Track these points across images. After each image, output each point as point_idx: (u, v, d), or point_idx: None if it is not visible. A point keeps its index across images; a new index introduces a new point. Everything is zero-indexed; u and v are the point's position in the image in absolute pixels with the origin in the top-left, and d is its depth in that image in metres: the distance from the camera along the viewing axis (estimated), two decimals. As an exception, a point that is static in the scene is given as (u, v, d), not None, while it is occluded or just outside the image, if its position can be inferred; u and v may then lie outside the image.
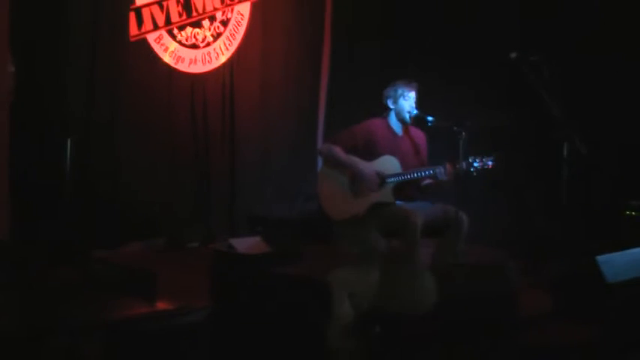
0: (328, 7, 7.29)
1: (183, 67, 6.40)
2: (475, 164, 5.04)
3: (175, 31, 6.33)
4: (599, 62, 5.99)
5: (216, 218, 6.60)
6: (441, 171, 5.05)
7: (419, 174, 5.12)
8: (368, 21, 7.11)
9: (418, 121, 5.28)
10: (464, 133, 4.91)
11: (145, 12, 6.13)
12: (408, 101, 5.25)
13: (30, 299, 3.64)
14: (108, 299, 3.60)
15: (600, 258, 4.07)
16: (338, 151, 5.20)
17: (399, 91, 5.25)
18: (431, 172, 5.10)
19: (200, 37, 6.49)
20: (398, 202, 5.13)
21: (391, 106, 5.30)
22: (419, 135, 5.39)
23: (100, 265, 4.11)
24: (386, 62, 6.91)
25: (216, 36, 6.58)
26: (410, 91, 5.25)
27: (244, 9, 6.72)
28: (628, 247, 4.29)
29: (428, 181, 5.15)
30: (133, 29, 6.07)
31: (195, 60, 6.48)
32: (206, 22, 6.51)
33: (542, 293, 4.59)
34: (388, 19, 7.00)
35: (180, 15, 6.32)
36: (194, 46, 6.46)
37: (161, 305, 3.53)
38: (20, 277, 3.89)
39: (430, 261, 4.95)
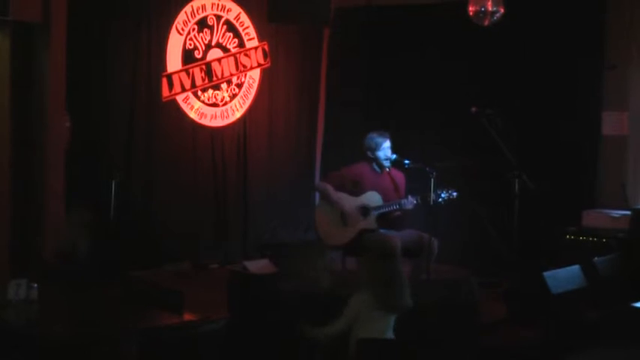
0: (323, 71, 7.35)
1: (205, 121, 6.46)
2: (443, 195, 5.08)
3: (199, 92, 6.40)
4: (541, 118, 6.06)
5: (232, 244, 6.59)
6: (407, 201, 5.08)
7: (393, 205, 5.14)
8: (356, 80, 7.16)
9: (397, 164, 5.30)
10: (434, 173, 4.97)
11: (175, 77, 6.21)
12: (383, 151, 5.20)
13: (79, 311, 3.64)
14: (143, 311, 3.60)
15: (546, 273, 4.08)
16: (329, 190, 5.21)
17: (374, 143, 5.19)
18: (399, 203, 5.12)
19: (219, 98, 6.56)
20: (381, 229, 5.15)
21: (371, 156, 5.25)
22: (399, 175, 5.36)
23: (138, 284, 4.12)
24: (370, 113, 6.93)
25: (233, 96, 6.65)
26: (384, 141, 5.19)
27: (255, 74, 6.80)
28: (568, 265, 4.31)
29: (397, 213, 5.16)
30: (165, 91, 6.15)
31: (216, 116, 6.54)
32: (224, 85, 6.58)
33: (498, 303, 4.60)
34: (372, 84, 7.06)
35: (203, 80, 6.40)
36: (214, 105, 6.53)
37: (187, 316, 3.53)
38: (72, 294, 3.89)
39: (407, 277, 4.94)
